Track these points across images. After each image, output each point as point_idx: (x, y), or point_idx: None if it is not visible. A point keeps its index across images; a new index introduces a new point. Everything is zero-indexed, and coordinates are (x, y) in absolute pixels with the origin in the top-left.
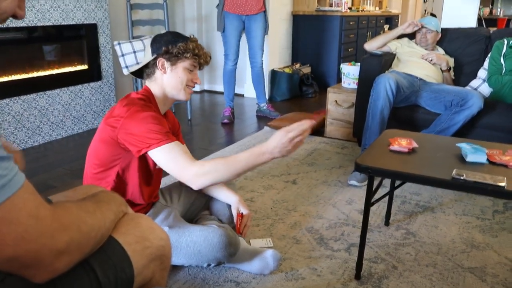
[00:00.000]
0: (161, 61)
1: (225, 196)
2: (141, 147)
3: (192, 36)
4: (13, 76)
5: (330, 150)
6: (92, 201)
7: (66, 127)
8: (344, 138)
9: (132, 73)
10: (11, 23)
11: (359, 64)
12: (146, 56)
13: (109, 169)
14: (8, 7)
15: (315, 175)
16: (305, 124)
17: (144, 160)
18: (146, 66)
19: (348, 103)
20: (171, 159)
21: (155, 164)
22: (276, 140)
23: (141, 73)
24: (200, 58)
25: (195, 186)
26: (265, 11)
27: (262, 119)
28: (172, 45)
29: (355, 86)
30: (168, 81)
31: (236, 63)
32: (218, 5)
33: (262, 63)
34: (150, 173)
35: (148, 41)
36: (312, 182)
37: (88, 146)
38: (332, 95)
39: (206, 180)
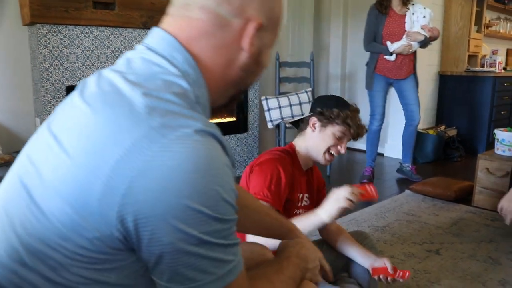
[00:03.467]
0: (313, 119)
1: (362, 259)
2: (250, 192)
3: (354, 105)
4: None
5: (478, 222)
6: (284, 275)
7: None
8: (495, 210)
9: (292, 122)
10: None
11: None
12: (307, 111)
13: None
14: (268, 62)
15: (461, 247)
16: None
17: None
18: (302, 120)
19: (502, 172)
20: None
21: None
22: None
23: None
24: (351, 128)
25: None
26: (414, 73)
27: (403, 182)
28: (328, 108)
29: (511, 154)
30: (313, 140)
31: (382, 124)
32: (367, 63)
33: (419, 121)
34: None
35: (295, 98)
36: (458, 255)
37: None
38: (483, 162)
39: None
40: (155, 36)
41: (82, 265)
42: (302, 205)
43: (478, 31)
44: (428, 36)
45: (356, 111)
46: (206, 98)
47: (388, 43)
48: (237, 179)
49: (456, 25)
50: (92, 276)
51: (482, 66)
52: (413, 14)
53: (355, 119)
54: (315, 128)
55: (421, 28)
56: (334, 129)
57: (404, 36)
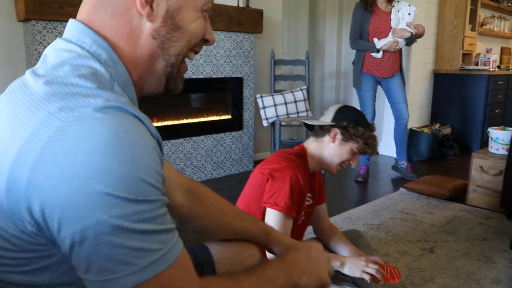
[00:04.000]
0: (335, 131)
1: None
2: (267, 200)
3: (373, 125)
4: (166, 121)
5: (472, 220)
6: (257, 277)
7: (206, 172)
8: (489, 208)
9: (307, 124)
10: None
11: (510, 129)
12: (326, 117)
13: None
14: (197, 29)
15: (455, 246)
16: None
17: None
18: (321, 126)
19: (496, 170)
20: (274, 227)
21: (299, 219)
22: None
23: (312, 128)
24: (369, 147)
25: None
26: (401, 71)
27: (397, 180)
28: (353, 124)
29: (505, 152)
30: (330, 150)
31: (373, 122)
32: (354, 62)
33: (408, 119)
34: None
35: (290, 96)
36: (452, 253)
37: (225, 191)
38: (477, 161)
39: None
40: (68, 26)
41: (10, 269)
42: (305, 205)
43: (473, 29)
44: (414, 33)
45: (375, 129)
46: (125, 75)
47: (375, 40)
48: (231, 176)
49: (450, 23)
50: (24, 280)
51: (476, 64)
52: (398, 11)
53: (374, 141)
54: (335, 139)
55: (407, 25)
56: (354, 146)
57: (390, 33)
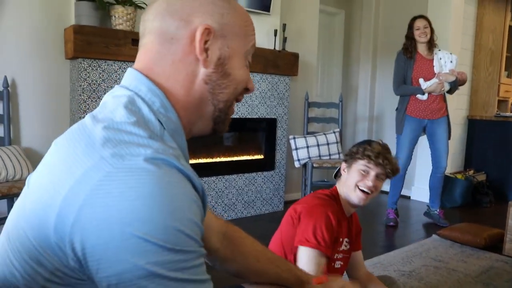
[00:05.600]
0: (343, 165)
1: None
2: (299, 238)
3: (380, 141)
4: (199, 159)
5: (510, 271)
6: None
7: (237, 210)
8: None
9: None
10: None
11: None
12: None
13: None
14: (243, 77)
15: None
16: None
17: None
18: (338, 170)
19: None
20: (307, 264)
21: (333, 261)
22: None
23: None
24: (371, 158)
25: None
26: (447, 115)
27: (429, 226)
28: (352, 148)
29: None
30: (344, 182)
31: (407, 168)
32: (397, 108)
33: (446, 168)
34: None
35: (323, 138)
36: None
37: (255, 230)
38: None
39: None
40: (126, 74)
41: None
42: (342, 249)
43: (509, 76)
44: (457, 78)
45: (378, 143)
46: (176, 122)
47: (421, 80)
48: (261, 216)
49: (485, 70)
50: None
51: None
52: (440, 59)
53: (375, 149)
54: (345, 171)
55: (449, 72)
56: (358, 165)
57: (435, 78)
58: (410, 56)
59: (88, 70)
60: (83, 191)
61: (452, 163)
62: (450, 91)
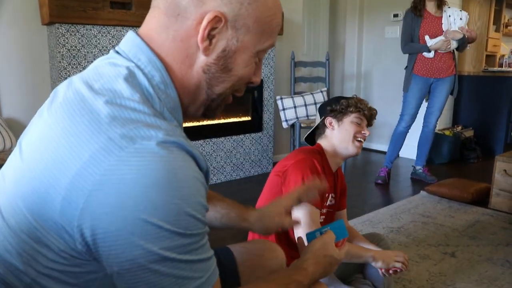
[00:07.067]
0: (328, 119)
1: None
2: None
3: (354, 96)
4: (186, 123)
5: (495, 224)
6: (283, 284)
7: (226, 173)
8: None
9: (306, 139)
10: None
11: None
12: (316, 120)
13: None
14: (246, 73)
15: (478, 250)
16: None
17: None
18: (317, 127)
19: None
20: (303, 216)
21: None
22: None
23: (312, 138)
24: (364, 110)
25: None
26: (455, 74)
27: (418, 183)
28: (335, 104)
29: None
30: (337, 136)
31: (410, 126)
32: (406, 67)
33: (435, 127)
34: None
35: (310, 97)
36: (474, 258)
37: (244, 193)
38: (500, 164)
39: None
40: (126, 37)
41: (57, 280)
42: (327, 204)
43: (497, 30)
44: (466, 36)
45: (358, 97)
46: (175, 99)
47: (427, 38)
48: (250, 178)
49: (474, 24)
50: None
51: (501, 66)
52: (449, 16)
53: (364, 102)
54: (333, 126)
55: (459, 30)
56: (351, 118)
57: (443, 35)
58: (419, 13)
59: (66, 36)
60: (93, 175)
61: (440, 120)
62: (459, 49)
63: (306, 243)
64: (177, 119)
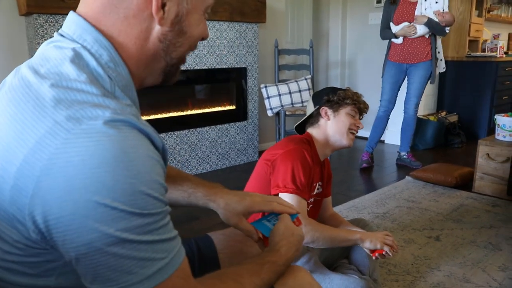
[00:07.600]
0: (324, 109)
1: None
2: (277, 184)
3: (347, 88)
4: (170, 113)
5: (479, 207)
6: (257, 264)
7: (212, 163)
8: (496, 195)
9: (296, 128)
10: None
11: None
12: (308, 109)
13: None
14: (199, 32)
15: (461, 233)
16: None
17: None
18: (310, 116)
19: (503, 158)
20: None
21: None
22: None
23: (302, 127)
24: (360, 103)
25: None
26: (431, 60)
27: (403, 168)
28: (332, 94)
29: None
30: (332, 127)
31: (388, 111)
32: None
33: (415, 112)
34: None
35: (294, 85)
36: (458, 241)
37: (230, 182)
38: (483, 148)
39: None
40: (67, 20)
41: (15, 272)
42: (315, 193)
43: (479, 15)
44: (437, 20)
45: (354, 91)
46: (127, 76)
47: (391, 24)
48: (236, 167)
49: (456, 10)
50: (29, 283)
51: (483, 51)
52: (425, 1)
53: (359, 95)
54: (328, 116)
55: (434, 14)
56: (347, 109)
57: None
58: (394, 0)
59: (45, 27)
60: (40, 160)
61: (425, 105)
62: (437, 33)
63: (260, 233)
64: (130, 97)
